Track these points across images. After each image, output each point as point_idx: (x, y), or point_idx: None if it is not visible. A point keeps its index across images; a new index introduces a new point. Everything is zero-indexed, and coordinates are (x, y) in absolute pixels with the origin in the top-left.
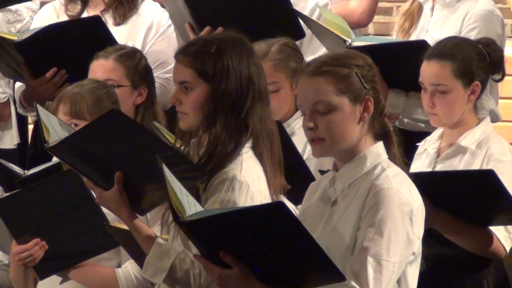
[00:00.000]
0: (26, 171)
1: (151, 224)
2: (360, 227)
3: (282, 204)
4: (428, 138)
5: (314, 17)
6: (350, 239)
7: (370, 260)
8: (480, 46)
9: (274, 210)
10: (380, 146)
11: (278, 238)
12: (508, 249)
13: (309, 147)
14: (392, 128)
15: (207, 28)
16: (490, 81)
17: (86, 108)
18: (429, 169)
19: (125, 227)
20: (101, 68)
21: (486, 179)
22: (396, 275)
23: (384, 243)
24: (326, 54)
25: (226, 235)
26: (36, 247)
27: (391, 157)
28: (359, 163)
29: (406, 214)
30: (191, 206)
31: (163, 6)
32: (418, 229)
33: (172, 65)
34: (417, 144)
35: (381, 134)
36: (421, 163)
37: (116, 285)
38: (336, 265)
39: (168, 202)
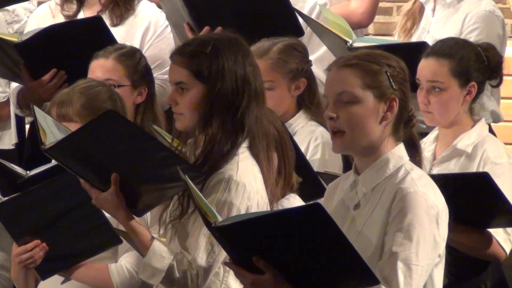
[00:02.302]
0: (28, 172)
1: (152, 223)
2: (388, 232)
3: (319, 205)
4: (424, 140)
5: (313, 16)
6: (376, 244)
7: (400, 265)
8: (479, 48)
9: (311, 211)
10: (401, 148)
11: (313, 241)
12: (508, 251)
13: (311, 147)
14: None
15: (206, 28)
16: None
17: (72, 110)
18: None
19: (123, 229)
20: (101, 68)
21: (481, 182)
22: (424, 278)
23: (413, 247)
24: (360, 50)
25: (260, 239)
26: (37, 249)
27: (415, 163)
28: (381, 166)
29: (433, 217)
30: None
31: (159, 7)
32: (443, 231)
33: None
34: None
35: (407, 142)
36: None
37: (109, 280)
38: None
39: (198, 210)
